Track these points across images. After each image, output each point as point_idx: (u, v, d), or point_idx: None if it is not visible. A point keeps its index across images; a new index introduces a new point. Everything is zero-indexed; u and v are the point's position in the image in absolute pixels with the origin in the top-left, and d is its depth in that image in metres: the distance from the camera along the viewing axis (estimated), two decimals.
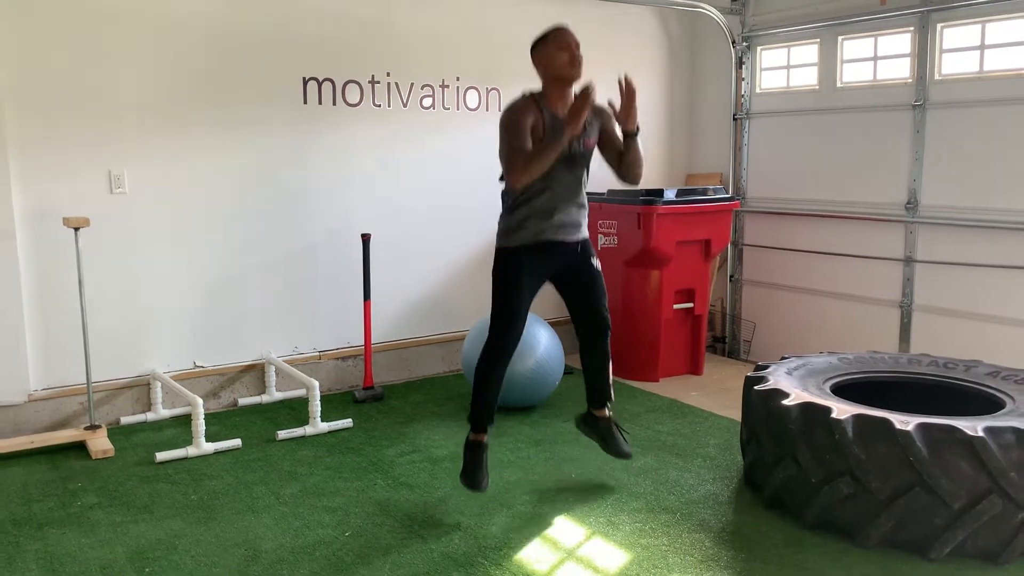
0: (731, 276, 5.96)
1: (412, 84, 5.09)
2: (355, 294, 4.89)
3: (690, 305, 5.29)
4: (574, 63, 3.28)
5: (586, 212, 3.52)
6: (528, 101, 3.30)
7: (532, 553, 3.04)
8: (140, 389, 4.50)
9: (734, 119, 5.85)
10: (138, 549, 3.05)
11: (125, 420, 4.42)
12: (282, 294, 4.83)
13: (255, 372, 4.81)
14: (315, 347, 4.99)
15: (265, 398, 4.80)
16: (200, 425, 3.97)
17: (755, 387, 3.51)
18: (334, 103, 4.85)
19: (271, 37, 4.61)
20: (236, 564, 2.94)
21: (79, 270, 4.05)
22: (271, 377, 4.80)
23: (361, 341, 4.94)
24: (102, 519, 3.30)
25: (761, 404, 3.43)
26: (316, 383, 4.28)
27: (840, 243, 5.27)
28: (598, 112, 3.46)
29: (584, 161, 3.44)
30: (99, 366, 4.34)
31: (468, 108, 5.31)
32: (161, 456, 3.89)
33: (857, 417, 3.08)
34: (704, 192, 5.18)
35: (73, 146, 4.18)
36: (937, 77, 4.73)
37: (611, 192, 5.30)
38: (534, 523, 3.28)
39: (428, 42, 5.12)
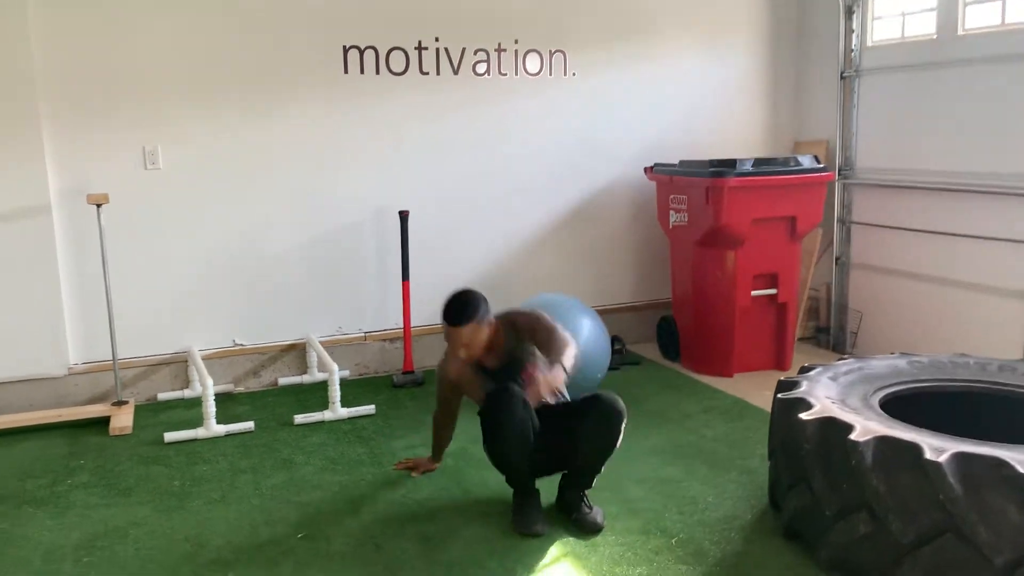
0: (837, 258, 5.23)
1: (464, 49, 4.75)
2: (400, 274, 4.65)
3: (772, 292, 4.65)
4: (468, 359, 3.03)
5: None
6: (456, 359, 3.08)
7: (484, 571, 2.68)
8: (179, 366, 4.49)
9: (842, 77, 5.08)
10: (92, 536, 2.97)
11: (162, 396, 4.43)
12: (325, 273, 4.68)
13: (297, 352, 4.70)
14: (360, 328, 4.81)
15: (307, 378, 4.68)
16: (211, 407, 3.89)
17: (779, 394, 2.95)
18: (377, 72, 4.60)
19: (309, 5, 4.42)
20: (173, 560, 2.79)
21: (102, 246, 4.06)
22: (312, 357, 4.67)
23: (418, 320, 4.74)
24: (78, 501, 3.25)
25: (782, 415, 2.89)
26: (336, 367, 4.09)
27: (963, 222, 4.44)
28: (519, 336, 3.09)
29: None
30: (137, 342, 4.37)
31: (528, 73, 4.92)
32: (169, 437, 3.84)
33: (881, 440, 2.48)
34: (787, 162, 4.52)
35: (106, 123, 4.18)
36: None
37: (683, 163, 4.75)
38: (504, 537, 2.91)
39: (481, 2, 4.76)
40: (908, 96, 4.71)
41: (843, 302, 5.22)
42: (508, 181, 4.96)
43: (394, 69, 4.63)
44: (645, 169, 5.06)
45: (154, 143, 4.28)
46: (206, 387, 3.88)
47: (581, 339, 4.09)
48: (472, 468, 3.43)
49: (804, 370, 3.18)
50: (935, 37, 4.53)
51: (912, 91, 4.68)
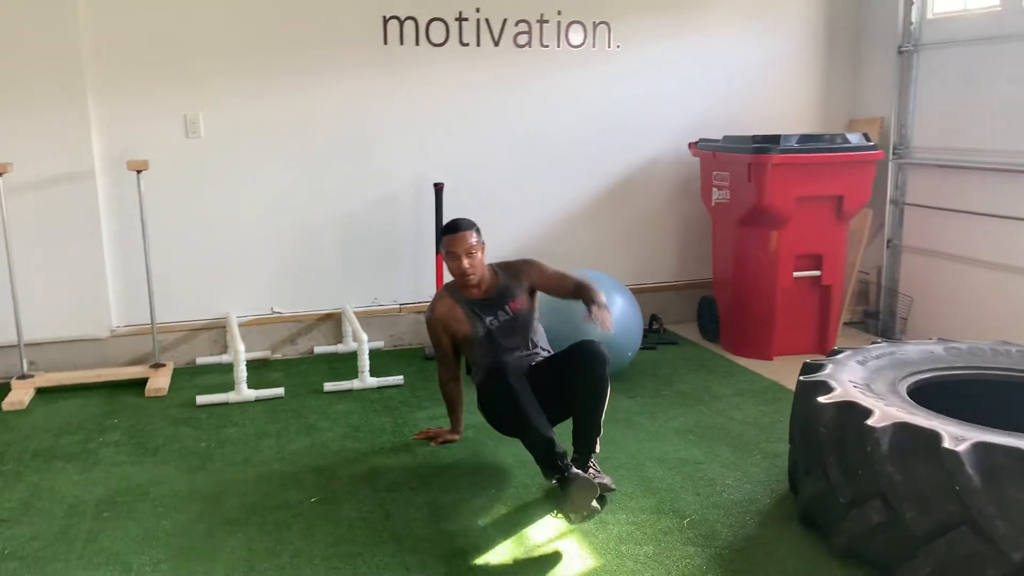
0: (888, 241, 5.03)
1: (505, 20, 4.70)
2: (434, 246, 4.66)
3: (816, 273, 4.51)
4: (464, 273, 3.11)
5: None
6: (443, 297, 3.23)
7: (484, 546, 2.66)
8: (218, 331, 4.57)
9: (900, 52, 4.87)
10: (114, 492, 3.05)
11: (200, 360, 4.52)
12: (362, 244, 4.70)
13: (333, 321, 4.74)
14: (395, 300, 4.83)
15: (341, 348, 4.72)
16: (242, 372, 3.95)
17: (801, 376, 2.86)
18: (417, 43, 4.58)
19: None
20: (187, 518, 2.85)
21: (141, 212, 4.15)
22: (347, 327, 4.70)
23: None
24: (107, 458, 3.35)
25: (802, 398, 2.80)
26: (365, 336, 4.12)
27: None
28: (515, 274, 3.25)
29: (518, 321, 3.19)
30: (178, 307, 4.47)
31: (571, 46, 4.84)
32: (201, 400, 3.92)
33: (899, 426, 2.38)
34: (834, 139, 4.35)
35: (150, 92, 4.25)
36: None
37: (726, 139, 4.63)
38: (513, 510, 2.89)
39: None
40: (969, 72, 4.49)
41: (893, 287, 5.04)
42: (547, 155, 4.90)
43: (434, 40, 4.60)
44: (689, 144, 4.95)
45: (195, 112, 4.34)
46: (238, 352, 3.94)
47: (613, 317, 4.03)
48: (491, 440, 3.41)
49: (833, 353, 3.07)
50: (999, 9, 4.30)
51: (973, 66, 4.46)
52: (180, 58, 4.26)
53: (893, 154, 4.93)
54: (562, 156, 4.92)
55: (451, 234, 3.11)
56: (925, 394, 2.92)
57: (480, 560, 2.58)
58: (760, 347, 4.55)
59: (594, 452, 3.02)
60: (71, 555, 2.62)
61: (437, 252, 4.58)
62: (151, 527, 2.79)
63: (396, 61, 4.56)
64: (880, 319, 5.11)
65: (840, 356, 3.00)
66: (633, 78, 4.97)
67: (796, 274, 4.47)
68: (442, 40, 4.61)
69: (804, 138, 4.31)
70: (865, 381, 2.79)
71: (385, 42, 4.54)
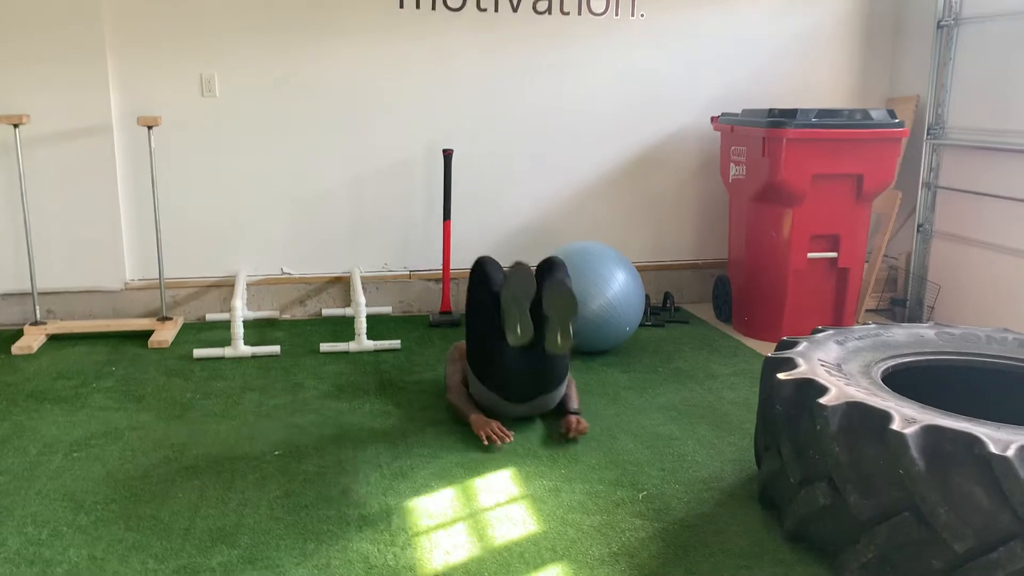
0: (919, 226, 4.81)
1: None
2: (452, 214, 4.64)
3: (833, 255, 4.34)
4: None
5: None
6: (461, 349, 3.50)
7: (433, 508, 2.64)
8: (228, 288, 4.65)
9: (939, 27, 4.63)
10: (91, 434, 3.13)
11: (210, 317, 4.61)
12: (373, 208, 4.72)
13: (342, 285, 4.77)
14: (405, 266, 4.83)
15: (349, 311, 4.75)
16: (238, 328, 4.01)
17: (769, 354, 2.75)
18: (433, 8, 4.55)
19: None
20: (150, 463, 2.91)
21: (152, 167, 4.23)
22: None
23: (463, 263, 4.77)
24: (94, 403, 3.44)
25: (766, 374, 2.69)
26: (363, 299, 4.13)
27: None
28: None
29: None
30: (190, 263, 4.56)
31: (592, 13, 4.74)
32: (198, 353, 3.99)
33: (850, 406, 2.27)
34: (854, 115, 4.16)
35: (167, 49, 4.33)
36: None
37: (745, 112, 4.47)
38: (467, 473, 2.86)
39: None
40: (1012, 48, 4.23)
41: (922, 273, 4.81)
42: (563, 126, 4.82)
43: (451, 5, 4.56)
44: (712, 119, 4.81)
45: (211, 71, 4.40)
46: (235, 309, 4.00)
47: (611, 291, 3.97)
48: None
49: (816, 331, 2.95)
50: None
51: (1017, 42, 4.20)
52: (198, 18, 4.32)
53: (928, 134, 4.70)
54: (579, 127, 4.83)
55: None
56: (905, 378, 2.80)
57: (421, 519, 2.56)
58: (770, 329, 4.41)
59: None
60: (31, 491, 2.70)
61: (445, 219, 4.56)
62: (114, 470, 2.85)
63: (412, 26, 4.54)
64: (907, 307, 4.89)
65: (820, 335, 2.88)
66: (657, 49, 4.85)
67: (811, 255, 4.30)
68: (459, 5, 4.57)
69: (823, 113, 4.13)
70: (837, 361, 2.66)
71: (401, 6, 4.52)
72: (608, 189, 4.96)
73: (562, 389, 3.25)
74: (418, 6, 4.53)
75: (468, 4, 4.58)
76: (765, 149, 4.16)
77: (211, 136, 4.46)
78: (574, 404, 3.27)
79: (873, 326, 3.01)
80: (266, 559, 2.33)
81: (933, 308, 4.73)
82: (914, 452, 2.09)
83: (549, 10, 4.67)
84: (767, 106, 4.75)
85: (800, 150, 4.09)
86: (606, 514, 2.62)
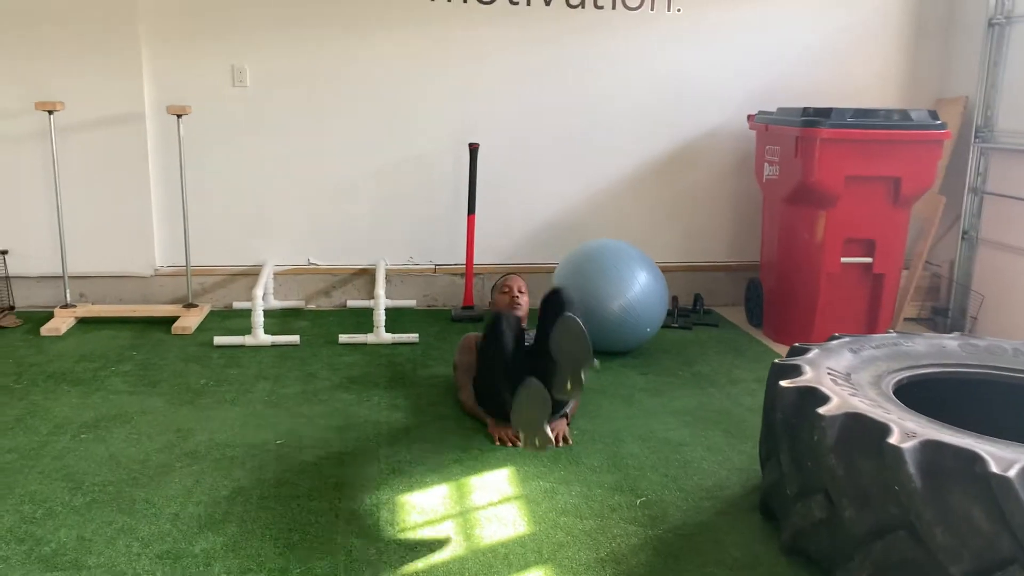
0: (964, 233, 4.61)
1: None
2: (477, 208, 4.61)
3: (867, 260, 4.18)
4: (512, 304, 3.35)
5: None
6: (471, 340, 3.39)
7: (424, 504, 2.61)
8: (255, 278, 4.68)
9: (990, 25, 4.43)
10: (101, 417, 3.18)
11: (237, 305, 4.65)
12: (400, 201, 4.71)
13: (368, 276, 4.78)
14: (431, 260, 4.82)
15: (384, 304, 4.74)
16: (259, 317, 4.04)
17: (776, 360, 2.65)
18: (465, 0, 4.51)
19: None
20: (153, 447, 2.93)
21: (180, 156, 4.29)
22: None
23: (486, 258, 4.76)
24: (110, 386, 3.49)
25: (771, 381, 2.59)
26: (383, 292, 4.13)
27: None
28: None
29: None
30: (220, 251, 4.62)
31: (627, 7, 4.65)
32: (218, 340, 4.03)
33: (850, 417, 2.17)
34: (891, 115, 4.01)
35: (200, 39, 4.38)
36: None
37: (780, 111, 4.35)
38: (464, 472, 2.83)
39: None
40: None
41: (965, 282, 4.62)
42: (595, 121, 4.75)
43: None
44: (748, 117, 4.68)
45: (243, 62, 4.44)
46: (255, 297, 4.03)
47: (632, 292, 3.90)
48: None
49: (832, 338, 2.84)
50: None
51: None
52: (232, 9, 4.36)
53: (976, 137, 4.50)
54: (611, 123, 4.75)
55: (506, 276, 3.50)
56: (922, 391, 2.66)
57: (410, 515, 2.53)
58: (800, 334, 4.27)
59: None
60: (34, 469, 2.74)
61: (470, 213, 4.53)
62: (117, 452, 2.89)
63: (442, 18, 4.51)
64: (949, 317, 4.70)
65: (835, 343, 2.77)
66: (693, 44, 4.74)
67: (844, 259, 4.16)
68: None
69: (859, 112, 3.99)
70: (847, 370, 2.55)
71: None
72: (639, 187, 4.87)
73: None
74: None
75: None
76: (798, 149, 4.04)
77: (242, 126, 4.50)
78: (568, 407, 3.18)
79: (893, 335, 2.88)
80: (249, 548, 2.33)
81: (976, 319, 4.53)
82: (911, 468, 1.98)
83: (583, 4, 4.60)
84: (809, 105, 4.60)
85: (834, 151, 3.96)
86: (599, 519, 2.56)
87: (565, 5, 4.58)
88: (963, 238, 4.61)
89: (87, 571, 2.20)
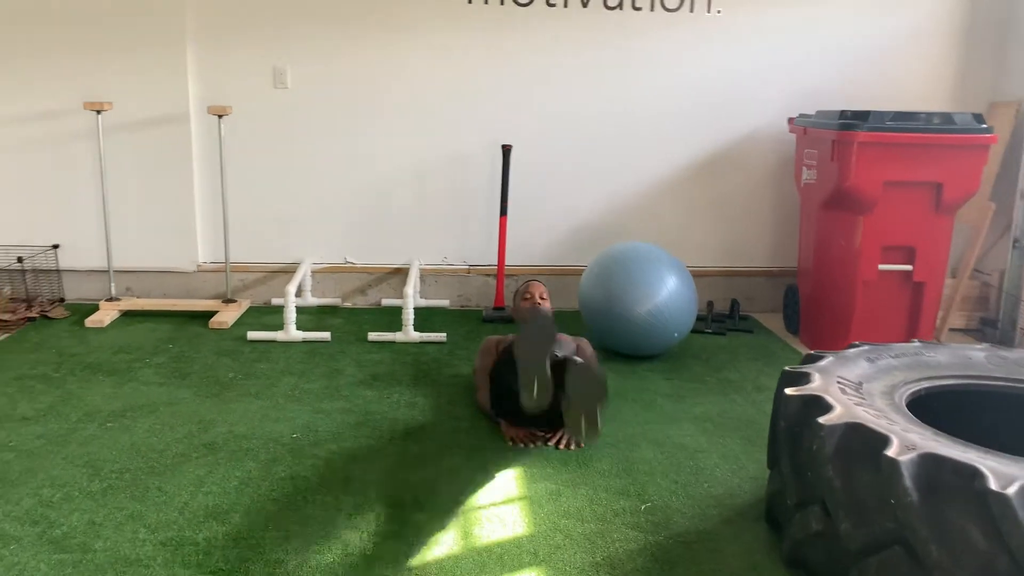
0: (1015, 241, 4.44)
1: None
2: (509, 210, 4.61)
3: (907, 268, 4.06)
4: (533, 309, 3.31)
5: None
6: (491, 343, 3.38)
7: (428, 502, 2.63)
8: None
9: None
10: (129, 407, 3.28)
11: (275, 302, 4.75)
12: (435, 202, 4.75)
13: (403, 276, 4.83)
14: (465, 260, 4.84)
15: (412, 303, 4.78)
16: (291, 312, 4.12)
17: (787, 367, 2.59)
18: (502, 3, 4.54)
19: None
20: (174, 438, 3.02)
21: (220, 155, 4.40)
22: (415, 282, 4.77)
23: (518, 260, 4.77)
24: (143, 377, 3.60)
25: (780, 389, 2.54)
26: (410, 293, 4.16)
27: None
28: (572, 342, 3.21)
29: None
30: (260, 249, 4.73)
31: (666, 9, 4.61)
32: (252, 335, 4.12)
33: (850, 427, 2.11)
34: (932, 118, 3.88)
35: (243, 41, 4.49)
36: None
37: (819, 114, 4.26)
38: (473, 469, 2.83)
39: None
40: None
41: (1016, 292, 4.45)
42: (631, 124, 4.71)
43: (519, 0, 4.53)
44: (788, 120, 4.59)
45: (284, 64, 4.53)
46: (287, 294, 4.11)
47: (661, 296, 3.86)
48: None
49: (851, 346, 2.77)
50: None
51: None
52: (274, 11, 4.46)
53: None
54: (649, 125, 4.71)
55: (527, 282, 3.50)
56: (940, 403, 2.58)
57: (412, 511, 2.55)
58: (835, 343, 4.16)
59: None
60: (59, 455, 2.85)
61: (502, 215, 4.54)
62: (139, 441, 2.97)
63: (479, 20, 4.54)
64: (999, 328, 4.53)
65: (852, 351, 2.70)
66: (734, 47, 4.67)
67: (882, 267, 4.04)
68: (528, 0, 4.53)
69: (898, 115, 3.87)
70: (860, 379, 2.49)
71: (469, 1, 4.52)
72: (677, 190, 4.82)
73: None
74: (486, 1, 4.52)
75: None
76: (834, 152, 3.95)
77: (282, 127, 4.59)
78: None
79: (917, 344, 2.80)
80: (250, 538, 2.37)
81: None
82: (908, 481, 1.92)
83: (620, 5, 4.57)
84: (855, 108, 4.49)
85: (871, 154, 3.85)
86: (601, 523, 2.54)
87: (603, 7, 4.56)
88: (1014, 246, 4.44)
89: (92, 554, 2.27)
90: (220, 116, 4.31)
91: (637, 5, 4.57)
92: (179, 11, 4.39)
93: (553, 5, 4.55)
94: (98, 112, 4.28)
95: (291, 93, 4.57)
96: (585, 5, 4.56)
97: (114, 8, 4.34)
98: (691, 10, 4.60)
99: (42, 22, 4.36)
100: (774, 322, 4.76)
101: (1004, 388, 2.59)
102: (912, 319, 4.14)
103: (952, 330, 4.59)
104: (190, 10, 4.42)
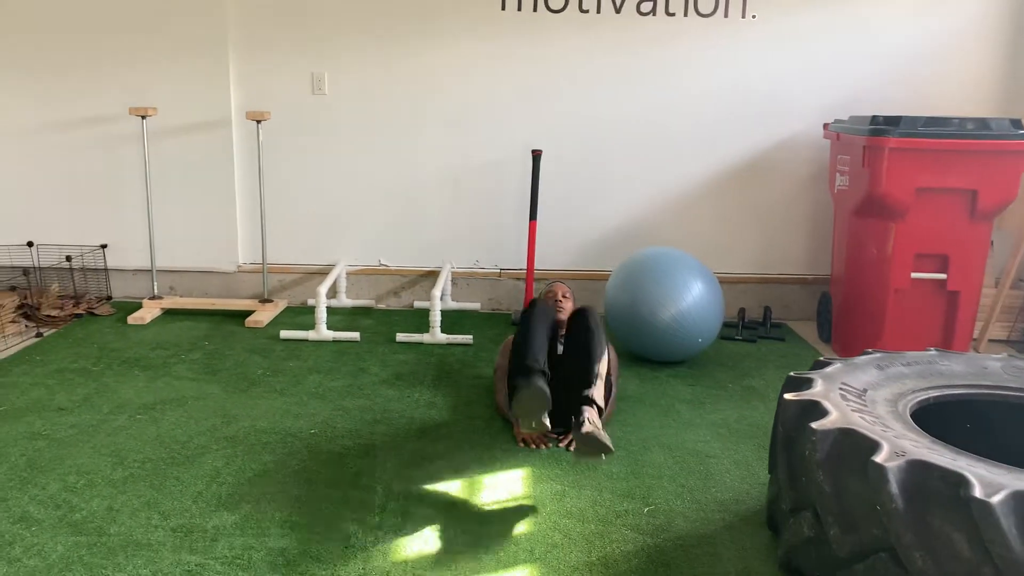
0: None
1: None
2: (540, 214, 4.65)
3: (941, 276, 3.98)
4: (556, 308, 3.40)
5: None
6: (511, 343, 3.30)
7: (433, 499, 2.68)
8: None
9: None
10: (159, 400, 3.41)
11: (311, 302, 4.87)
12: (468, 206, 4.81)
13: (435, 279, 4.90)
14: (496, 264, 4.89)
15: (440, 305, 4.85)
16: (322, 312, 4.22)
17: (792, 373, 2.58)
18: (535, 9, 4.58)
19: None
20: (198, 430, 3.13)
21: (259, 159, 4.54)
22: (447, 286, 4.85)
23: (548, 264, 4.81)
24: (176, 372, 3.74)
25: (781, 394, 2.53)
26: (437, 295, 4.23)
27: None
28: None
29: None
30: (298, 250, 4.86)
31: (699, 14, 4.60)
32: (284, 334, 4.24)
33: (843, 433, 2.10)
34: (965, 123, 3.80)
35: (283, 48, 4.63)
36: None
37: (851, 119, 4.20)
38: (486, 472, 2.88)
39: None
40: None
41: None
42: (664, 130, 4.71)
43: (552, 6, 4.58)
44: (824, 126, 4.54)
45: (322, 70, 4.65)
46: (319, 294, 4.21)
47: (685, 301, 3.85)
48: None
49: (864, 353, 2.74)
50: None
51: None
52: (314, 18, 4.58)
53: None
54: (681, 132, 4.70)
55: (551, 283, 3.62)
56: (950, 412, 2.54)
57: (417, 507, 2.60)
58: (863, 349, 4.09)
59: (591, 400, 2.90)
60: (88, 444, 2.98)
61: (531, 219, 4.58)
62: (163, 434, 3.09)
63: (513, 27, 4.59)
64: None
65: (862, 358, 2.68)
66: (770, 52, 4.63)
67: (915, 275, 3.97)
68: (561, 6, 4.57)
69: (931, 121, 3.80)
70: (864, 386, 2.47)
71: (503, 7, 4.58)
72: (709, 197, 4.80)
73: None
74: (519, 7, 4.58)
75: (570, 5, 4.57)
76: (865, 158, 3.89)
77: (320, 132, 4.71)
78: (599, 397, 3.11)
79: (932, 352, 2.76)
80: (256, 528, 2.45)
81: None
82: (894, 487, 1.90)
83: (653, 11, 4.57)
84: (895, 114, 4.42)
85: (903, 160, 3.79)
86: (602, 524, 2.56)
87: (636, 12, 4.57)
88: None
89: (106, 537, 2.38)
90: (258, 122, 4.45)
91: (671, 11, 4.57)
92: (221, 21, 4.54)
93: (586, 11, 4.58)
94: (143, 117, 4.45)
95: (329, 99, 4.69)
96: (618, 11, 4.57)
97: (160, 19, 4.52)
98: (725, 15, 4.58)
99: (92, 32, 4.56)
100: (807, 330, 4.70)
101: (1018, 399, 2.53)
102: (947, 329, 4.05)
103: (992, 341, 4.48)
104: (232, 19, 4.57)
